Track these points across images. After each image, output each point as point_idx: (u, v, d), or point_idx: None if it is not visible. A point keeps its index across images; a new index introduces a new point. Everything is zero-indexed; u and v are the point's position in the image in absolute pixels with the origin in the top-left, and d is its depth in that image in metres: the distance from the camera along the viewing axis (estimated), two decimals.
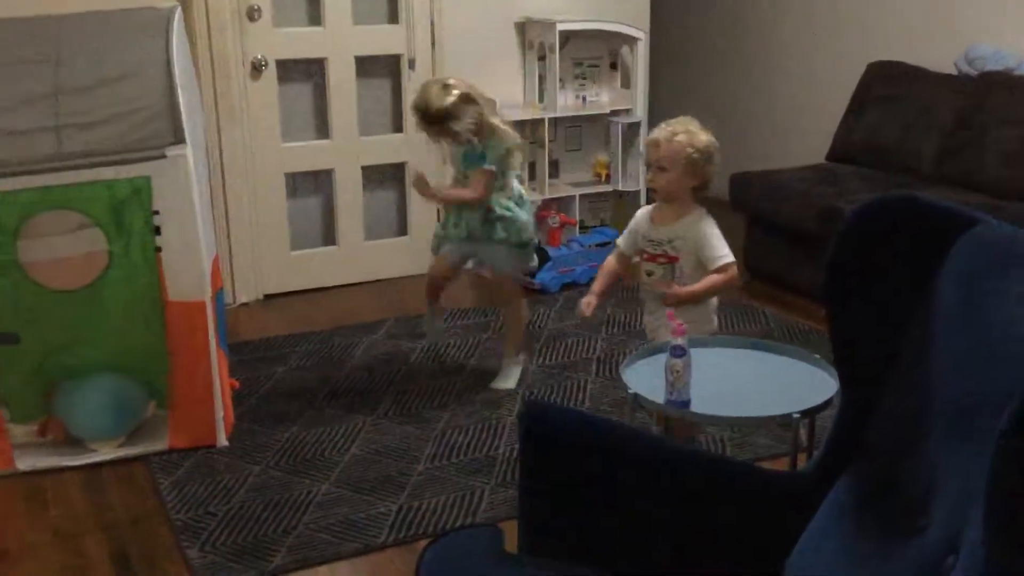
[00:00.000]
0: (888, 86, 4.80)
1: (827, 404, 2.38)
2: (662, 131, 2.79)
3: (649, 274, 2.87)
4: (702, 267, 2.81)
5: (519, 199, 3.46)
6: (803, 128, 5.61)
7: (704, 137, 2.77)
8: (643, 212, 2.95)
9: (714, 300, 2.87)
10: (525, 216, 3.46)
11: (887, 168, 4.62)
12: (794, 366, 2.66)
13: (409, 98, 4.64)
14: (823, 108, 5.37)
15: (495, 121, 3.36)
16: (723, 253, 2.78)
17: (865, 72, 4.94)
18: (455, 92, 3.26)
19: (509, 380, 3.58)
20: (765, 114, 5.95)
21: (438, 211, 3.75)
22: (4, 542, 2.68)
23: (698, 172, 2.76)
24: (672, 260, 2.82)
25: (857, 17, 5.26)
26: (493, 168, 3.35)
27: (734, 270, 2.80)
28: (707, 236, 2.79)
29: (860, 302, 1.74)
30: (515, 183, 3.47)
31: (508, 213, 3.41)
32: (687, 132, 2.75)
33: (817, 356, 2.63)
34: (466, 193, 3.38)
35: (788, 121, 5.78)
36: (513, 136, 3.41)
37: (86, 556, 2.62)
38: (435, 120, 3.26)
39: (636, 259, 2.98)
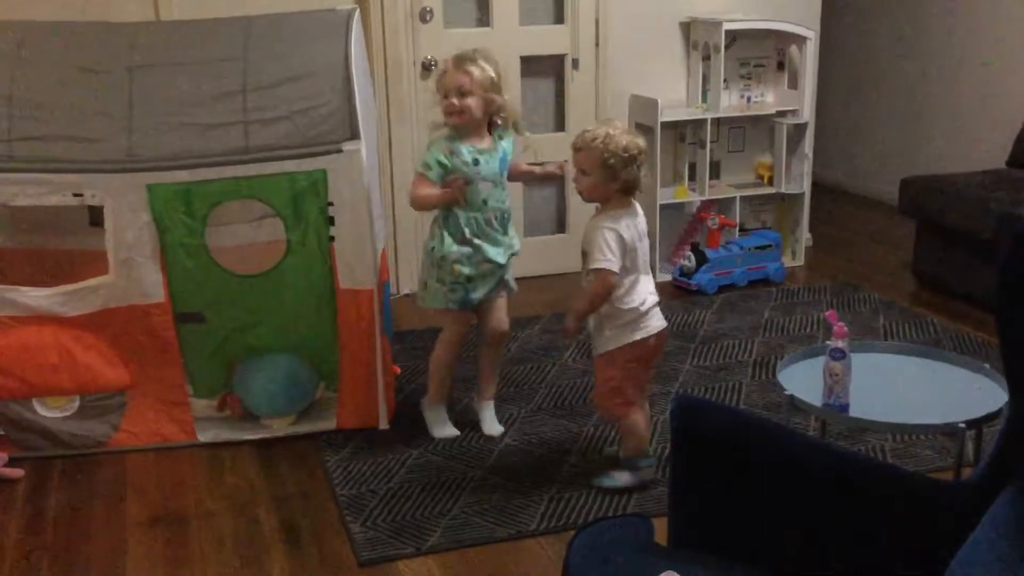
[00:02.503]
0: None
1: (995, 415, 2.30)
2: (582, 135, 2.75)
3: (586, 275, 2.81)
4: None
5: None
6: (981, 132, 5.36)
7: (624, 140, 2.69)
8: None
9: (623, 315, 2.75)
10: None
11: None
12: (962, 375, 2.58)
13: (573, 98, 4.74)
14: (1004, 111, 5.12)
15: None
16: (598, 257, 2.69)
17: None
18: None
19: (496, 425, 3.28)
20: (940, 117, 5.71)
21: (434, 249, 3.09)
22: (184, 507, 2.89)
23: (618, 175, 2.70)
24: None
25: None
26: None
27: (605, 277, 2.69)
28: (596, 238, 2.71)
29: None
30: None
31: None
32: (606, 136, 2.69)
33: (986, 365, 2.54)
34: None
35: (965, 124, 5.53)
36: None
37: (258, 524, 2.80)
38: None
39: None
